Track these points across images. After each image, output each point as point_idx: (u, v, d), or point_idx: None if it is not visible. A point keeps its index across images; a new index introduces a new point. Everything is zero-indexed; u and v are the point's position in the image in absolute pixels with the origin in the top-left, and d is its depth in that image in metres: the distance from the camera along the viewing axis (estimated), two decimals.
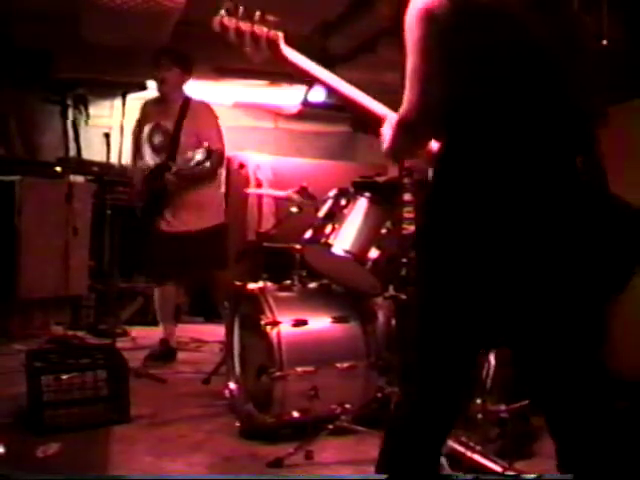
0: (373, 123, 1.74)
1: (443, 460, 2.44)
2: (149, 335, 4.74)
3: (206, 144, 3.66)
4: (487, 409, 2.63)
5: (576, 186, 1.53)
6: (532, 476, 2.33)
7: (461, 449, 2.52)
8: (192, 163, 3.71)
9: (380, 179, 3.48)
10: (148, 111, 4.25)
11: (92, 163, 5.85)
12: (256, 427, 2.87)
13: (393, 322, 2.98)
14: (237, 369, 3.21)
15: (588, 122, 1.59)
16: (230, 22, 1.63)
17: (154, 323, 5.14)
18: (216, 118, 4.16)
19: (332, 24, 4.92)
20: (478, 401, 2.66)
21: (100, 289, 5.36)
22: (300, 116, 6.89)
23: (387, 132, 1.66)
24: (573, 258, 1.50)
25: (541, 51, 1.51)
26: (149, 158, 4.16)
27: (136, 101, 4.50)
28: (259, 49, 1.65)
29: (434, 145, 1.67)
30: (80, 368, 2.99)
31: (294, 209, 3.60)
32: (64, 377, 2.92)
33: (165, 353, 4.23)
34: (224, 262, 4.25)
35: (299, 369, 2.82)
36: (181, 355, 4.40)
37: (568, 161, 1.53)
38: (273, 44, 1.66)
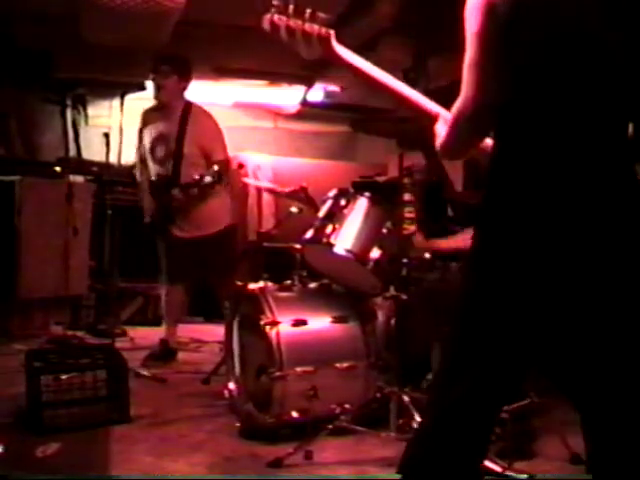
0: (427, 122, 1.68)
1: None
2: (149, 335, 4.74)
3: (216, 167, 3.72)
4: None
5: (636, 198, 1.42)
6: (524, 476, 2.34)
7: None
8: (202, 184, 3.77)
9: (380, 179, 3.49)
10: (148, 119, 4.22)
11: (92, 163, 5.85)
12: (256, 427, 2.87)
13: (393, 322, 2.98)
14: (237, 369, 3.21)
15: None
16: (281, 20, 1.58)
17: (154, 323, 5.15)
18: (217, 126, 4.14)
19: (332, 24, 4.91)
20: None
21: (100, 289, 5.35)
22: (300, 116, 6.89)
23: (441, 130, 1.59)
24: (632, 274, 1.41)
25: (606, 51, 1.41)
26: (153, 170, 4.15)
27: (135, 101, 4.50)
28: (311, 47, 1.60)
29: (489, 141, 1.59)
30: (80, 368, 2.99)
31: (294, 209, 3.60)
32: (64, 377, 2.92)
33: (165, 353, 4.23)
34: (234, 266, 4.27)
35: (299, 369, 2.82)
36: (181, 355, 4.40)
37: (627, 171, 1.44)
38: (325, 41, 1.61)
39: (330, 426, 2.70)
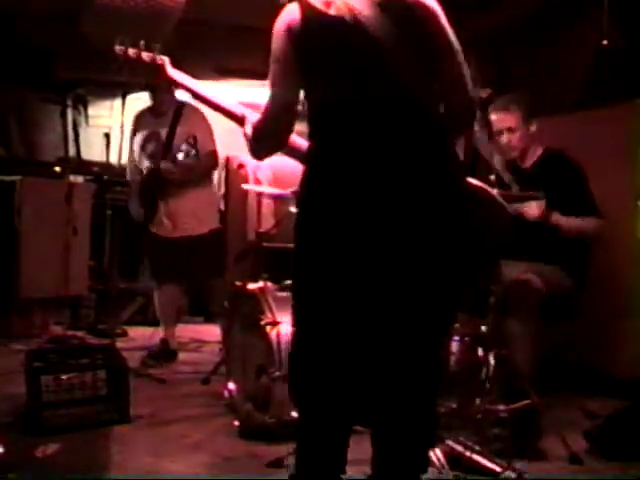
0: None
1: (443, 460, 2.45)
2: (149, 335, 4.74)
3: (184, 146, 3.73)
4: (486, 409, 2.62)
5: (424, 176, 1.63)
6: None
7: (460, 449, 2.53)
8: (180, 156, 3.81)
9: None
10: (141, 121, 4.24)
11: (92, 163, 5.85)
12: (256, 427, 2.87)
13: None
14: (237, 369, 3.21)
15: (438, 125, 1.69)
16: (121, 50, 1.95)
17: (154, 323, 5.13)
18: (206, 120, 4.13)
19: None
20: (478, 401, 2.66)
21: (100, 289, 5.35)
22: (300, 116, 6.87)
23: (248, 133, 1.86)
24: (419, 246, 1.62)
25: (384, 54, 1.61)
26: (144, 165, 4.17)
27: (136, 101, 4.50)
28: (149, 72, 1.96)
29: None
30: (79, 368, 2.98)
31: (294, 209, 3.59)
32: (63, 377, 2.92)
33: (164, 353, 4.23)
34: (221, 269, 4.26)
35: None
36: (181, 355, 4.40)
37: (415, 152, 1.63)
38: (160, 67, 1.96)
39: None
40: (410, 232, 1.62)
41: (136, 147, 4.20)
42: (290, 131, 1.80)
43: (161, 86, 4.06)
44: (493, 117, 3.26)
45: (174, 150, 3.98)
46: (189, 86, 2.00)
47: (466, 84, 1.70)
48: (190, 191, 4.09)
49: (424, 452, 1.78)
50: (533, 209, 3.06)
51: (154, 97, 4.15)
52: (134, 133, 4.24)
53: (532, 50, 4.44)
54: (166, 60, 1.97)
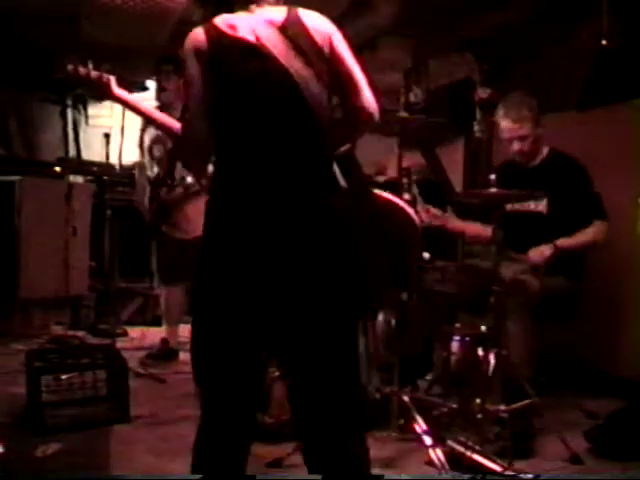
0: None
1: (443, 460, 2.45)
2: (149, 335, 4.74)
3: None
4: (486, 409, 2.62)
5: (311, 204, 1.68)
6: (529, 476, 2.34)
7: (461, 449, 2.52)
8: (185, 184, 3.84)
9: (380, 179, 3.49)
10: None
11: (92, 163, 5.85)
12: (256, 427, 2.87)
13: (393, 322, 2.98)
14: None
15: (331, 146, 1.76)
16: (72, 68, 2.12)
17: (154, 323, 5.15)
18: None
19: (333, 23, 4.91)
20: (477, 401, 2.66)
21: (100, 289, 5.35)
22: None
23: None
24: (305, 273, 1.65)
25: (299, 84, 1.67)
26: (151, 169, 4.17)
27: (114, 86, 4.50)
28: (97, 89, 2.11)
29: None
30: (80, 368, 2.99)
31: None
32: (64, 377, 2.92)
33: (164, 352, 4.23)
34: None
35: None
36: (181, 355, 4.39)
37: (312, 182, 1.69)
38: (106, 85, 2.10)
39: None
40: (293, 252, 1.65)
41: (145, 149, 4.20)
42: (209, 149, 1.81)
43: (168, 87, 4.07)
44: (504, 124, 3.25)
45: (179, 170, 3.98)
46: (131, 103, 2.18)
47: (362, 95, 1.77)
48: (199, 197, 4.07)
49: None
50: (538, 255, 3.08)
51: (161, 97, 4.14)
52: (142, 133, 4.23)
53: (532, 50, 4.43)
54: (112, 79, 2.15)
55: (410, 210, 2.62)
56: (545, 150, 3.32)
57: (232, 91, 1.71)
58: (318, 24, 1.75)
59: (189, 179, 3.80)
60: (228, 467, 1.80)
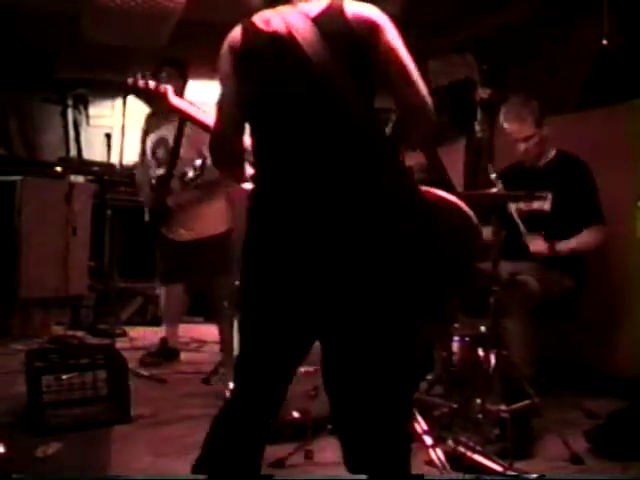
0: None
1: (444, 460, 2.45)
2: (149, 335, 4.74)
3: (198, 161, 3.72)
4: (487, 409, 2.62)
5: (368, 196, 1.65)
6: (534, 476, 2.34)
7: (461, 449, 2.52)
8: (186, 179, 3.81)
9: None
10: (152, 123, 4.23)
11: (93, 163, 5.85)
12: None
13: None
14: None
15: (375, 138, 1.68)
16: (133, 80, 2.27)
17: (154, 323, 5.15)
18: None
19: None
20: (478, 401, 2.66)
21: (100, 289, 5.36)
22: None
23: None
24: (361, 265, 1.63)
25: (322, 74, 1.63)
26: (154, 170, 4.17)
27: (137, 101, 4.49)
28: (155, 99, 2.27)
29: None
30: (80, 368, 2.99)
31: None
32: (64, 377, 2.92)
33: (164, 352, 4.23)
34: (225, 268, 4.26)
35: (300, 369, 2.81)
36: (181, 355, 4.40)
37: (357, 174, 1.65)
38: (164, 96, 2.25)
39: (330, 426, 2.70)
40: (346, 247, 1.63)
41: (148, 151, 4.20)
42: (241, 148, 1.83)
43: (171, 88, 4.06)
44: (507, 127, 3.28)
45: (181, 166, 3.97)
46: (187, 112, 2.27)
47: (415, 91, 1.68)
48: (201, 199, 4.07)
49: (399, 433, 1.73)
50: (538, 245, 3.09)
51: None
52: (146, 134, 4.23)
53: (532, 50, 4.44)
54: (169, 89, 2.26)
55: (466, 208, 2.49)
56: (552, 151, 3.33)
57: (261, 85, 1.70)
58: (361, 14, 1.66)
59: (190, 174, 3.78)
60: (243, 459, 1.78)
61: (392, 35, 1.67)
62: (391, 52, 1.67)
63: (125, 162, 4.77)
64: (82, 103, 6.04)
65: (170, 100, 2.27)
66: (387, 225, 1.65)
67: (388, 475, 1.67)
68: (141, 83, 2.27)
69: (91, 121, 6.28)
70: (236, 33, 1.75)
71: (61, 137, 6.07)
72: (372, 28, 1.66)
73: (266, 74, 1.70)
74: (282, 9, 1.72)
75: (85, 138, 6.17)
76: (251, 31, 1.72)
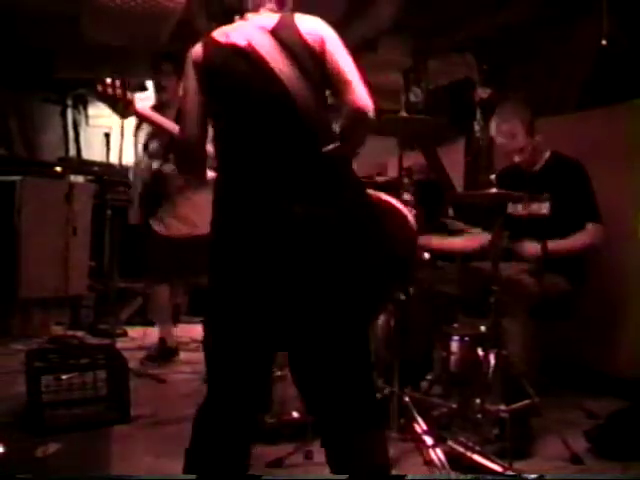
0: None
1: (443, 460, 2.45)
2: (149, 335, 4.73)
3: None
4: (486, 409, 2.62)
5: (316, 202, 1.71)
6: (533, 476, 2.34)
7: (461, 449, 2.53)
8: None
9: (380, 179, 3.49)
10: None
11: (92, 163, 5.85)
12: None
13: (393, 322, 2.98)
14: None
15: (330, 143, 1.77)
16: (101, 86, 2.35)
17: (153, 323, 5.14)
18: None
19: (332, 24, 4.92)
20: (477, 401, 2.66)
21: (100, 289, 5.35)
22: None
23: None
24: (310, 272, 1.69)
25: (285, 83, 1.73)
26: (146, 165, 4.16)
27: (137, 101, 4.49)
28: (119, 107, 2.38)
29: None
30: (80, 368, 2.99)
31: None
32: (64, 377, 2.92)
33: (163, 352, 4.23)
34: None
35: None
36: (181, 355, 4.40)
37: (314, 179, 1.73)
38: (129, 103, 2.37)
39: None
40: (304, 255, 1.69)
41: (139, 145, 4.19)
42: (204, 155, 1.91)
43: (168, 86, 4.06)
44: (499, 141, 3.32)
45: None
46: (152, 119, 2.49)
47: (356, 94, 1.76)
48: (194, 190, 4.07)
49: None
50: (529, 249, 3.09)
51: (160, 96, 4.13)
52: (137, 129, 4.22)
53: (532, 50, 4.44)
54: (134, 97, 2.41)
55: (406, 211, 2.62)
56: (547, 154, 3.33)
57: (224, 94, 1.80)
58: (310, 26, 1.80)
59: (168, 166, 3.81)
60: (226, 463, 1.79)
61: (335, 43, 1.80)
62: (334, 60, 1.78)
63: (124, 162, 4.77)
64: (82, 103, 6.05)
65: (135, 108, 2.40)
66: (343, 230, 1.71)
67: (366, 472, 1.73)
68: (109, 90, 2.37)
69: (90, 121, 6.28)
70: (197, 48, 1.85)
71: (61, 137, 6.08)
72: (321, 40, 1.79)
73: (229, 85, 1.79)
74: (238, 24, 1.85)
75: (84, 138, 6.18)
76: (211, 45, 1.82)
